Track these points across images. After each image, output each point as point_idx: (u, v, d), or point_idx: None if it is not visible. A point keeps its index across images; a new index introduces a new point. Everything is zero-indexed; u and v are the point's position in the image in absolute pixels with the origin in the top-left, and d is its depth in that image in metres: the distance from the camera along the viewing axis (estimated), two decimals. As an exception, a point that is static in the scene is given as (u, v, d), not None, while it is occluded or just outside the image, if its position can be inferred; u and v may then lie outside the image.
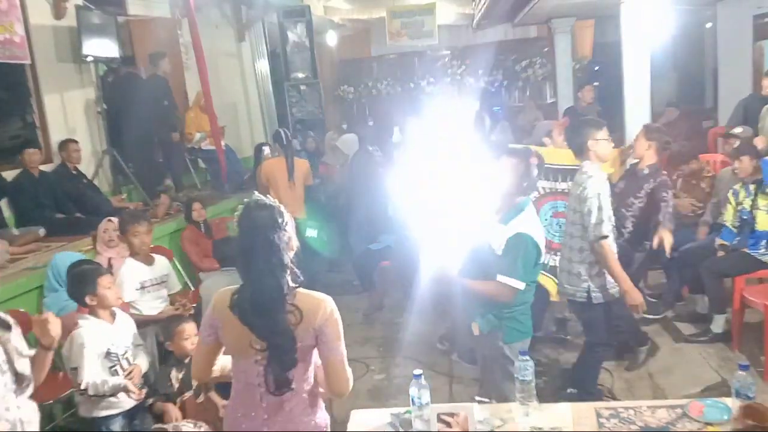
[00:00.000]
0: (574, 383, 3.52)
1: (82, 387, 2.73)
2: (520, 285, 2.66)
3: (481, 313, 2.82)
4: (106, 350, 2.85)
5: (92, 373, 2.76)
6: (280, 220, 1.85)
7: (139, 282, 3.65)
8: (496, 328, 2.79)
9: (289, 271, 1.85)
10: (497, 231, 2.74)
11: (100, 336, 2.85)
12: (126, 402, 2.89)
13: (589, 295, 3.23)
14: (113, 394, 2.79)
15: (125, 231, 3.76)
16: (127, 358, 2.94)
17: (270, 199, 1.90)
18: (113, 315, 2.97)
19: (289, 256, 1.86)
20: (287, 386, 1.87)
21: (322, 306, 1.88)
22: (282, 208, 1.89)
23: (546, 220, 4.33)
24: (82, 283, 2.88)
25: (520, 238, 2.64)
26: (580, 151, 3.25)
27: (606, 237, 3.09)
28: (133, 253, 3.75)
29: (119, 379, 2.81)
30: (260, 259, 1.81)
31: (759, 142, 4.79)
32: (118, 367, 2.88)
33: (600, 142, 3.19)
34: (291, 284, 1.86)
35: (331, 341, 1.88)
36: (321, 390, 2.02)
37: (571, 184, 3.38)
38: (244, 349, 1.88)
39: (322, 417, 2.03)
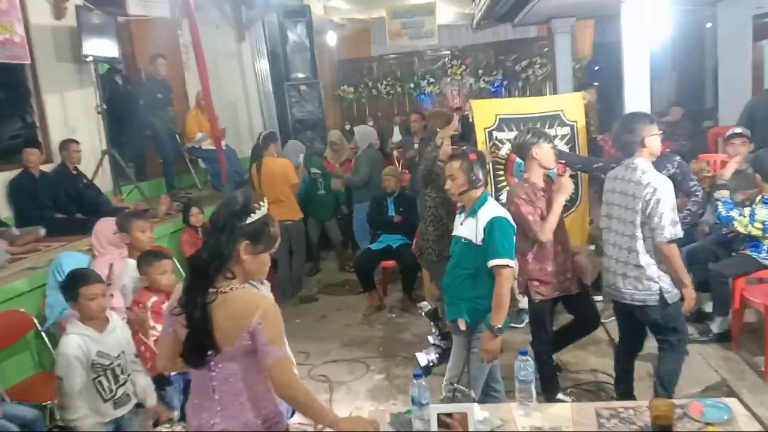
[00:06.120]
0: (661, 386, 3.27)
1: (61, 400, 2.75)
2: (512, 263, 2.83)
3: (468, 307, 2.94)
4: (91, 361, 2.78)
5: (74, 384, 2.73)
6: (240, 210, 1.91)
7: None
8: (482, 318, 2.91)
9: (228, 260, 1.89)
10: (469, 225, 2.93)
11: (84, 347, 2.76)
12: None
13: (662, 295, 3.10)
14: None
15: (128, 229, 3.70)
16: (118, 366, 2.87)
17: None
18: (107, 320, 2.89)
19: (239, 246, 1.90)
20: (201, 364, 1.92)
21: (258, 307, 1.89)
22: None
23: (519, 175, 4.16)
24: (65, 289, 2.85)
25: (497, 221, 2.85)
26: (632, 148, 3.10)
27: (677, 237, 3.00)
28: (132, 255, 3.69)
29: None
30: (210, 236, 1.93)
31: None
32: (103, 378, 2.82)
33: (654, 137, 3.09)
34: (228, 274, 1.90)
35: (263, 344, 1.87)
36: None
37: (621, 182, 3.15)
38: None
39: (279, 409, 2.05)
